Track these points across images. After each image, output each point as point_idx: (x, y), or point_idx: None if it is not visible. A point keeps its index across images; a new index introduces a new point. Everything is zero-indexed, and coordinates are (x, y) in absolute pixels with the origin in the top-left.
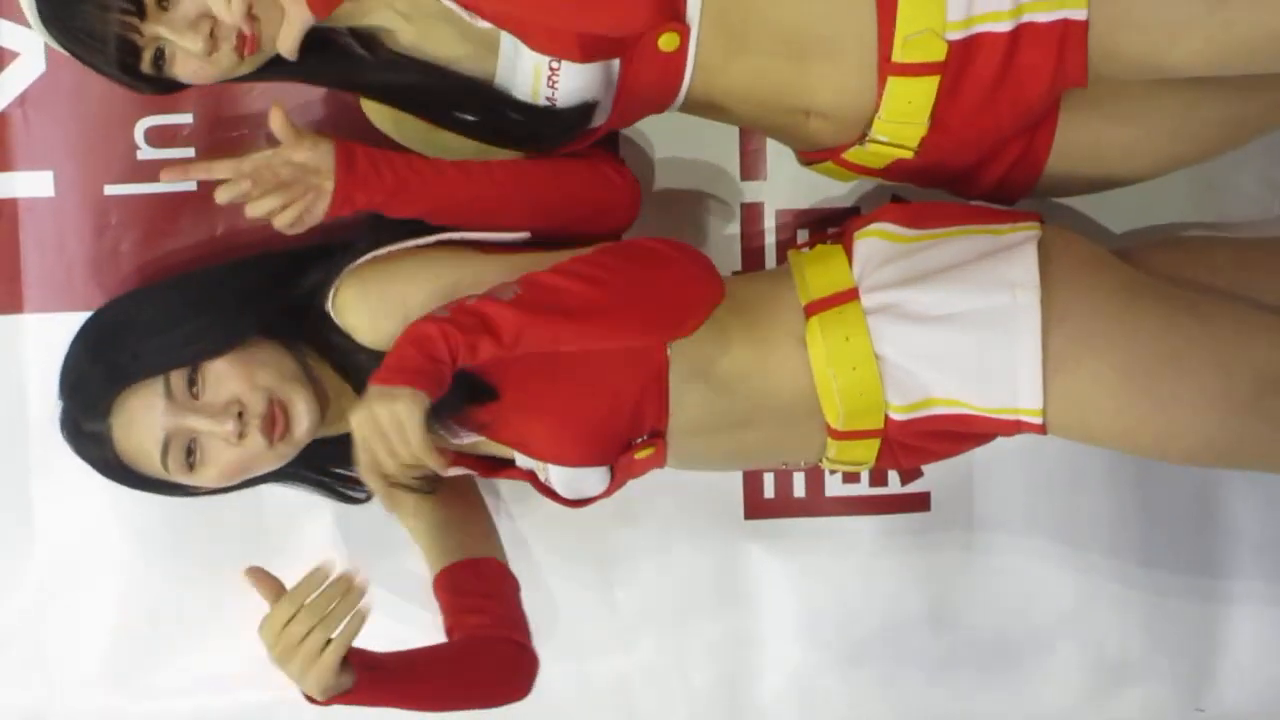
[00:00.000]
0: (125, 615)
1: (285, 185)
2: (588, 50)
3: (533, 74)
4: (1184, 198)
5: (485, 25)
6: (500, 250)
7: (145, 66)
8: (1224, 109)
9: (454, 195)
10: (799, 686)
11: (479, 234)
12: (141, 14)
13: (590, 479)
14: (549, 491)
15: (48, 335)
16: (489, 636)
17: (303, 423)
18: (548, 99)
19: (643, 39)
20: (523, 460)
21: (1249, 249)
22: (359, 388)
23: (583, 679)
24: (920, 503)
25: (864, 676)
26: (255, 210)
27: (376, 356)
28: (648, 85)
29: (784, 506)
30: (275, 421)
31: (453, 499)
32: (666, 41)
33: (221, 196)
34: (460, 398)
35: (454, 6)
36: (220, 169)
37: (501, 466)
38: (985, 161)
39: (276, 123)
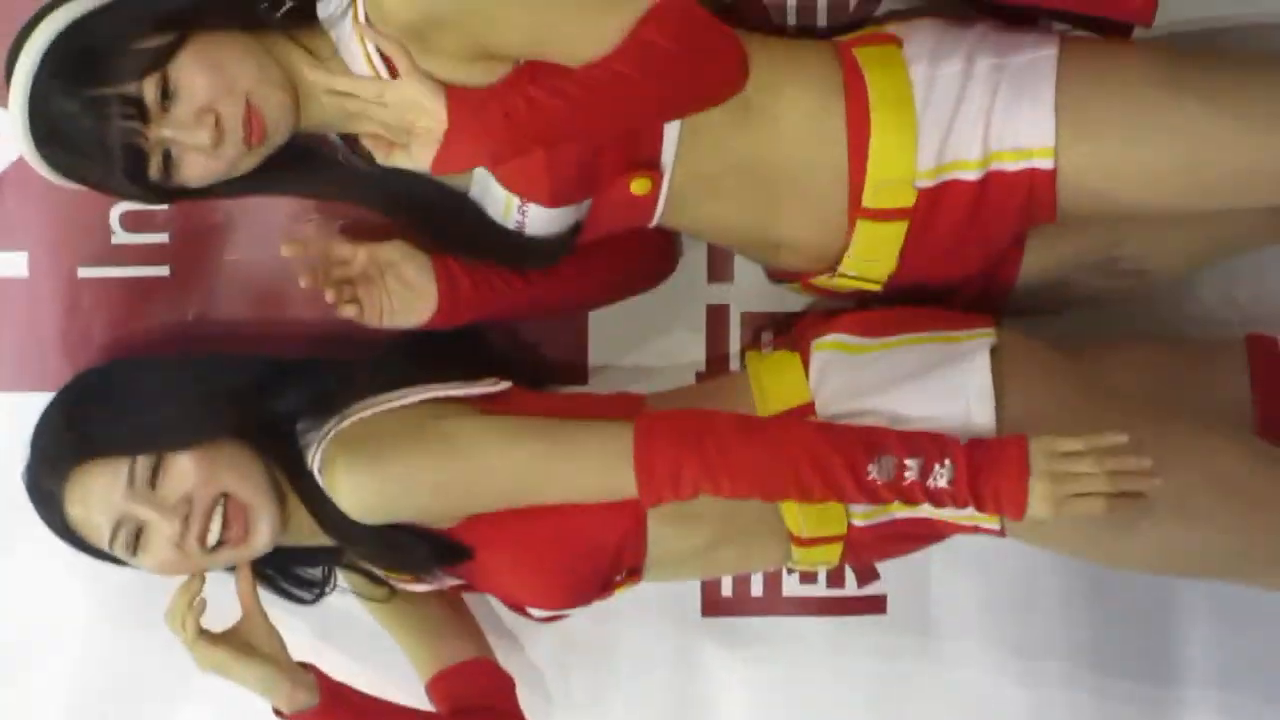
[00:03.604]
0: (80, 694)
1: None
2: (557, 197)
3: (503, 202)
4: (1146, 310)
5: None
6: (484, 403)
7: (153, 172)
8: (1191, 235)
9: (524, 297)
10: None
11: (461, 389)
12: (144, 118)
13: (568, 611)
14: (519, 608)
15: (16, 414)
16: None
17: (260, 534)
18: (517, 224)
19: (615, 183)
20: None
21: (1204, 352)
22: (331, 535)
23: None
24: (876, 605)
25: None
26: (346, 310)
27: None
28: (617, 222)
29: (741, 605)
30: (223, 527)
31: (433, 599)
32: (638, 186)
33: (305, 280)
34: (434, 561)
35: None
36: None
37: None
38: (951, 292)
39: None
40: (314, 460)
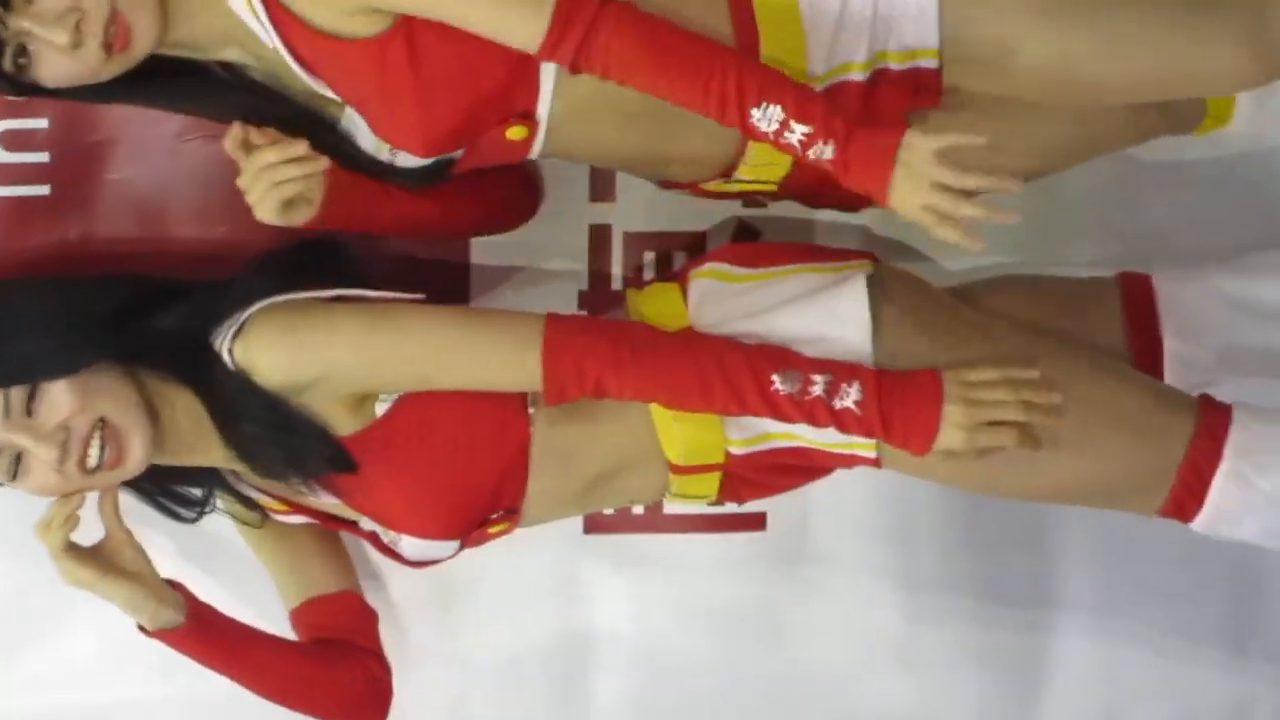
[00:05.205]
0: None
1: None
2: (431, 150)
3: (374, 143)
4: (1021, 243)
5: (331, 94)
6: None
7: (6, 64)
8: (1062, 132)
9: (389, 211)
10: (632, 702)
11: (376, 294)
12: (5, 5)
13: (440, 549)
14: (389, 551)
15: None
16: (347, 656)
17: (135, 455)
18: (388, 160)
19: (491, 133)
20: (368, 522)
21: (1079, 289)
22: (226, 423)
23: (419, 689)
24: (756, 522)
25: (697, 692)
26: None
27: (265, 400)
28: (493, 159)
29: (623, 523)
30: (102, 450)
31: (306, 531)
32: (515, 133)
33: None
34: (321, 462)
35: (299, 70)
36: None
37: (345, 522)
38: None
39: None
40: (224, 338)
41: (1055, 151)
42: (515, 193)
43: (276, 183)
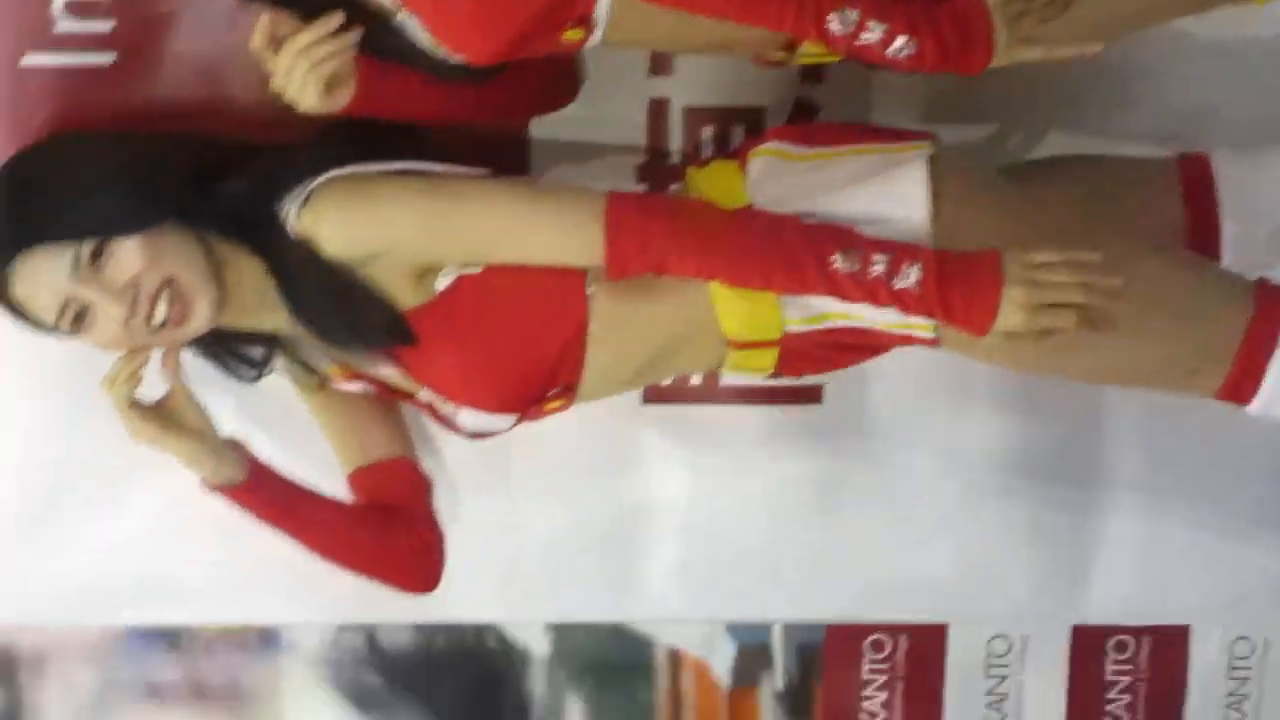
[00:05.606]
0: (29, 469)
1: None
2: (487, 59)
3: (430, 41)
4: (1075, 121)
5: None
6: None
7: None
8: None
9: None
10: (685, 569)
11: (441, 167)
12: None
13: (498, 423)
14: (446, 423)
15: None
16: (402, 521)
17: (200, 315)
18: (443, 56)
19: (546, 37)
20: (426, 394)
21: (1136, 171)
22: (289, 290)
23: (472, 556)
24: (813, 395)
25: (749, 561)
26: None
27: (329, 269)
28: (546, 53)
29: (681, 394)
30: (169, 309)
31: (364, 399)
32: (571, 35)
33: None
34: (381, 333)
35: None
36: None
37: (402, 393)
38: None
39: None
40: (290, 207)
41: (1113, 17)
42: (555, 79)
43: (316, 63)
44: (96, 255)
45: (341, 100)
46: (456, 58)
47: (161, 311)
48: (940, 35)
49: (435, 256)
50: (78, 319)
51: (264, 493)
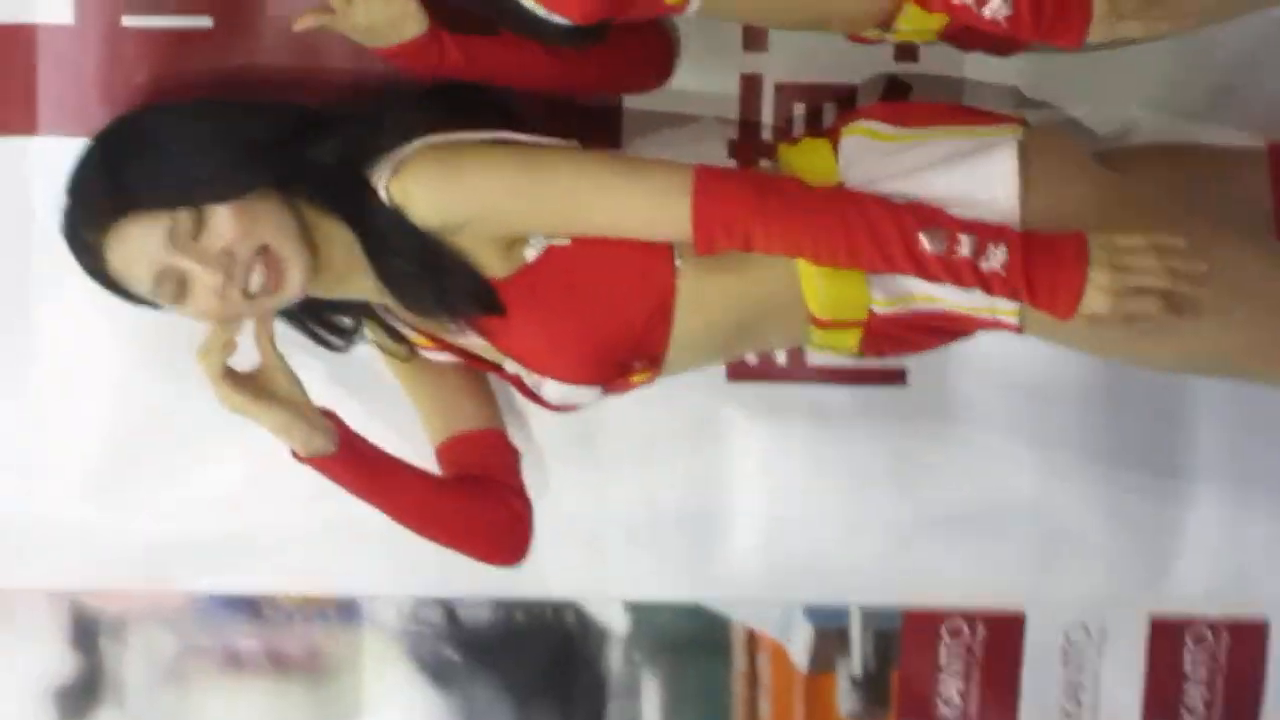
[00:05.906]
0: (115, 432)
1: None
2: (588, 16)
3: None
4: (1168, 107)
5: None
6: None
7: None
8: None
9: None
10: (765, 546)
11: (531, 138)
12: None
13: (583, 395)
14: (532, 395)
15: (58, 157)
16: (491, 492)
17: (293, 283)
18: (544, 15)
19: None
20: (512, 365)
21: (1225, 157)
22: (379, 258)
23: (558, 528)
24: (897, 376)
25: (828, 539)
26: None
27: (419, 237)
28: (647, 15)
29: (766, 371)
30: (264, 277)
31: (452, 369)
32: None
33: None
34: (469, 302)
35: None
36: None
37: (489, 364)
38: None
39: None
40: (382, 174)
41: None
42: (652, 56)
43: None
44: (194, 225)
45: (412, 29)
46: (556, 18)
47: (257, 279)
48: None
49: (524, 227)
50: (177, 290)
51: (355, 464)
